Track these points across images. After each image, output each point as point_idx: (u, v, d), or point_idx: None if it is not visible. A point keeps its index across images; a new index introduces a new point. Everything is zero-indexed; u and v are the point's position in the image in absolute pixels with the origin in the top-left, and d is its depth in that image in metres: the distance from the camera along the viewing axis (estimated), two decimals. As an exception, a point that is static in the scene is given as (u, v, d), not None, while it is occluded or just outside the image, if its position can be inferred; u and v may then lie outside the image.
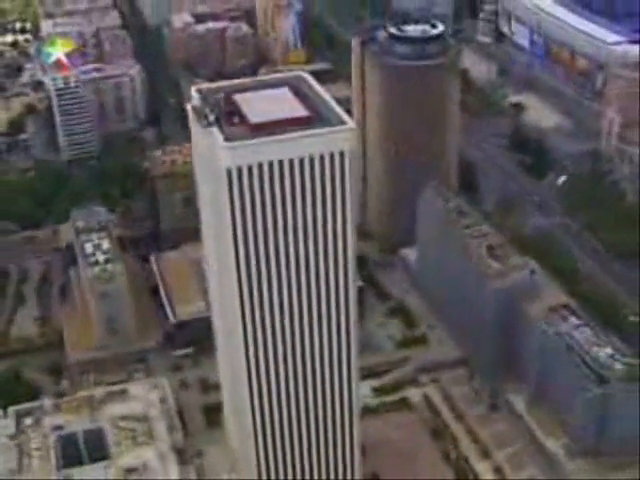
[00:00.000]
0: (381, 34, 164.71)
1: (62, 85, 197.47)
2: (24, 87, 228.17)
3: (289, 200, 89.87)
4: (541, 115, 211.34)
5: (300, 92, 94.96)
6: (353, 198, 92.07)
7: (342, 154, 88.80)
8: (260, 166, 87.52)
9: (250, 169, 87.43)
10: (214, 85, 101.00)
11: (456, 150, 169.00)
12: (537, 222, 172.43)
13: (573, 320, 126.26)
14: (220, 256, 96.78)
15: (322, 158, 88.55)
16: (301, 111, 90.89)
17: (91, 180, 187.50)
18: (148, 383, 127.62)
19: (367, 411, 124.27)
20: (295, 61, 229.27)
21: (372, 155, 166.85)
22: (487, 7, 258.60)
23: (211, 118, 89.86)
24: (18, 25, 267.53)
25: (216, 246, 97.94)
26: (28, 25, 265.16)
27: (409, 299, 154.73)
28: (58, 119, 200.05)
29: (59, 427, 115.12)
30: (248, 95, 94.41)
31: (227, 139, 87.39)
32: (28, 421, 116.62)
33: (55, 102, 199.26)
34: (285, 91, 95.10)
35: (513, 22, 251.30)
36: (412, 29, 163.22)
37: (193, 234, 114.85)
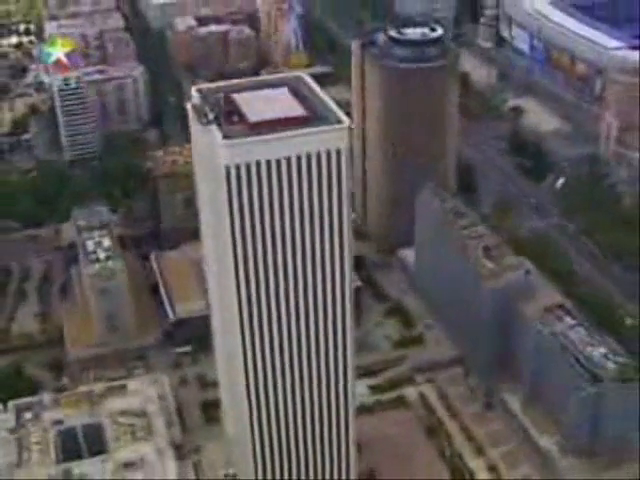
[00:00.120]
0: (381, 37, 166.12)
1: (65, 86, 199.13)
2: (28, 88, 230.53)
3: (286, 197, 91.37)
4: (540, 119, 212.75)
5: (299, 92, 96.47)
6: (349, 195, 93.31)
7: (338, 152, 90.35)
8: (258, 164, 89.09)
9: (248, 166, 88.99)
10: (214, 85, 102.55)
11: (455, 152, 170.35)
12: (534, 224, 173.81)
13: (568, 320, 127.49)
14: (218, 254, 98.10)
15: (319, 156, 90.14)
16: (299, 110, 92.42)
17: (93, 180, 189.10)
18: (147, 379, 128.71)
19: (363, 409, 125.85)
20: (296, 64, 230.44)
21: (371, 156, 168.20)
22: (488, 12, 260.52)
23: (210, 116, 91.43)
24: (22, 27, 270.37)
25: (215, 244, 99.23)
26: (32, 27, 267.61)
27: (407, 299, 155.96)
28: (61, 120, 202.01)
29: (59, 421, 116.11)
30: (247, 95, 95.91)
31: (226, 137, 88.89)
32: (28, 415, 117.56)
33: (58, 103, 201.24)
34: (284, 91, 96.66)
35: (514, 27, 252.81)
36: (411, 32, 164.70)
37: (193, 234, 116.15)
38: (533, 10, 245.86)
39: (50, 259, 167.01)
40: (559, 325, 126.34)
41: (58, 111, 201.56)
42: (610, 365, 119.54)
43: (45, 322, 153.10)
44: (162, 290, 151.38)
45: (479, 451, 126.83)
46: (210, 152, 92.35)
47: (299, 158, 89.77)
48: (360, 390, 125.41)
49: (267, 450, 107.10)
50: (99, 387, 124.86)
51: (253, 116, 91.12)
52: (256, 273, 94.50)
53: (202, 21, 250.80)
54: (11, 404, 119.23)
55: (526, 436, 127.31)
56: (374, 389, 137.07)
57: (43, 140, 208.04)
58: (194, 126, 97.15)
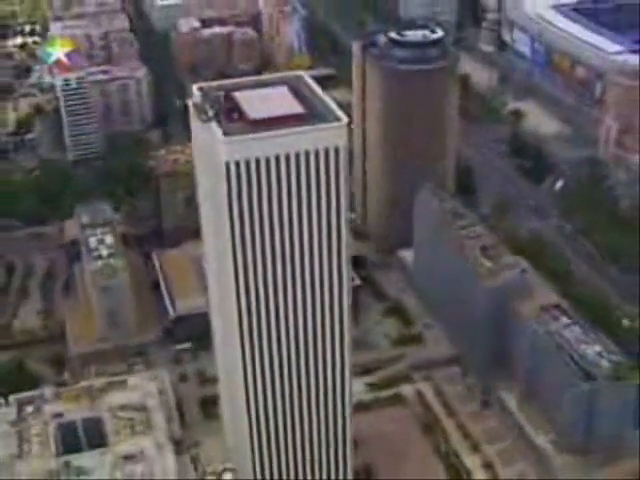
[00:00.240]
0: (381, 39, 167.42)
1: (66, 86, 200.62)
2: (32, 88, 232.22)
3: (285, 194, 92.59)
4: (540, 122, 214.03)
5: (298, 91, 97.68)
6: (347, 192, 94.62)
7: (337, 149, 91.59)
8: (257, 160, 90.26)
9: (248, 163, 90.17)
10: (215, 83, 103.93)
11: (454, 153, 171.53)
12: (532, 225, 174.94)
13: (564, 319, 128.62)
14: (218, 250, 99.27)
15: (317, 153, 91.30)
16: (298, 108, 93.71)
17: (96, 179, 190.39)
18: (147, 375, 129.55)
19: (361, 406, 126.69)
20: (299, 66, 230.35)
21: (371, 157, 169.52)
22: (490, 16, 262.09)
23: (210, 113, 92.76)
24: (27, 28, 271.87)
25: (214, 240, 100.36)
26: (37, 28, 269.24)
27: (406, 299, 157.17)
28: (65, 120, 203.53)
29: (59, 415, 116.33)
30: (247, 93, 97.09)
31: (226, 134, 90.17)
32: (29, 409, 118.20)
33: (62, 103, 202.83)
34: (284, 90, 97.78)
35: (515, 31, 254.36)
36: (412, 34, 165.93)
37: (194, 232, 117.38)
38: (535, 14, 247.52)
39: (53, 256, 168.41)
40: (555, 324, 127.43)
41: (62, 111, 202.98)
42: (604, 363, 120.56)
43: (47, 318, 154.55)
44: (163, 287, 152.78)
45: (475, 448, 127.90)
46: (210, 149, 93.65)
47: (298, 155, 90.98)
48: (358, 388, 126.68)
49: (265, 446, 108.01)
50: (99, 382, 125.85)
51: (253, 113, 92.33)
52: (254, 268, 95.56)
53: (206, 23, 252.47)
54: (12, 398, 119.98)
55: (522, 434, 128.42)
56: (372, 386, 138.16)
57: (47, 140, 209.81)
58: (194, 123, 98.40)
